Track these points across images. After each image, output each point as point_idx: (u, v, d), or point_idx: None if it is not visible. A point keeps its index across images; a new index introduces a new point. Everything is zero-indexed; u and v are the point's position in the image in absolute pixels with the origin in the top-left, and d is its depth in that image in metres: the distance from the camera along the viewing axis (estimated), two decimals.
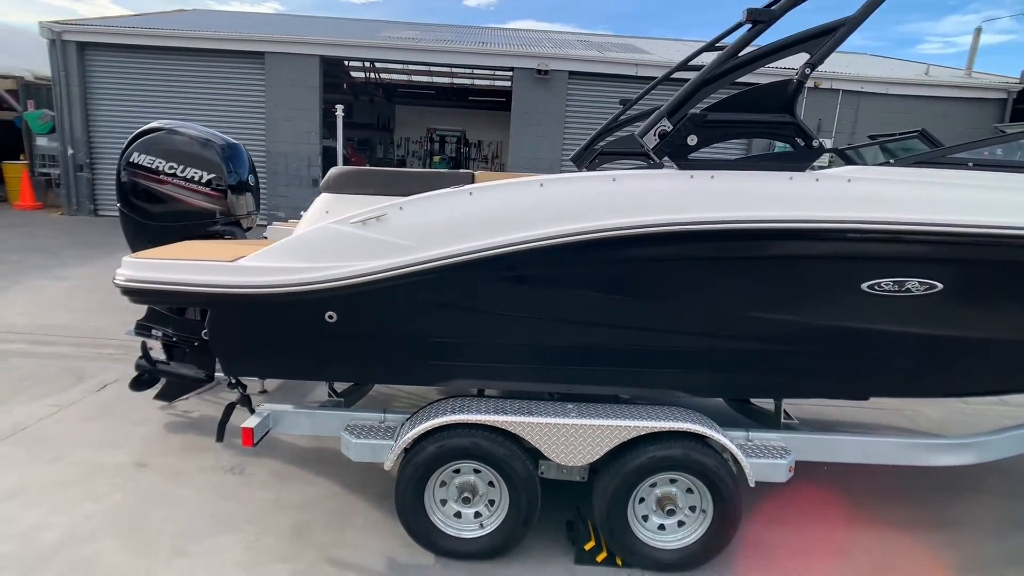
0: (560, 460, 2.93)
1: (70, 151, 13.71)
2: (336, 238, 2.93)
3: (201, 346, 4.26)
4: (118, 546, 3.04)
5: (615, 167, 3.80)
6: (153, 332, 4.44)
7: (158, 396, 4.49)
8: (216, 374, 4.36)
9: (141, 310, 4.13)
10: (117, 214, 4.31)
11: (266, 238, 4.39)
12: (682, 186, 2.82)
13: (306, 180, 13.60)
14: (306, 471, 3.83)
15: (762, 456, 3.04)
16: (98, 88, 13.73)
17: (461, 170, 3.43)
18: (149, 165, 4.03)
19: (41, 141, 14.69)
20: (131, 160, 4.05)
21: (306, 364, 3.20)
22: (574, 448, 2.92)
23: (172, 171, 4.02)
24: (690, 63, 4.36)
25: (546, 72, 13.31)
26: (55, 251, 10.22)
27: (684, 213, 2.78)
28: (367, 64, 19.31)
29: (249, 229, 4.42)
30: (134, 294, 3.04)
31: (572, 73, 13.66)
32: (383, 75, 21.43)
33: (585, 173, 3.12)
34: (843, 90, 14.62)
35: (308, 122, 13.32)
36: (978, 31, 18.14)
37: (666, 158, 2.86)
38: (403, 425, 3.11)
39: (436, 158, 17.68)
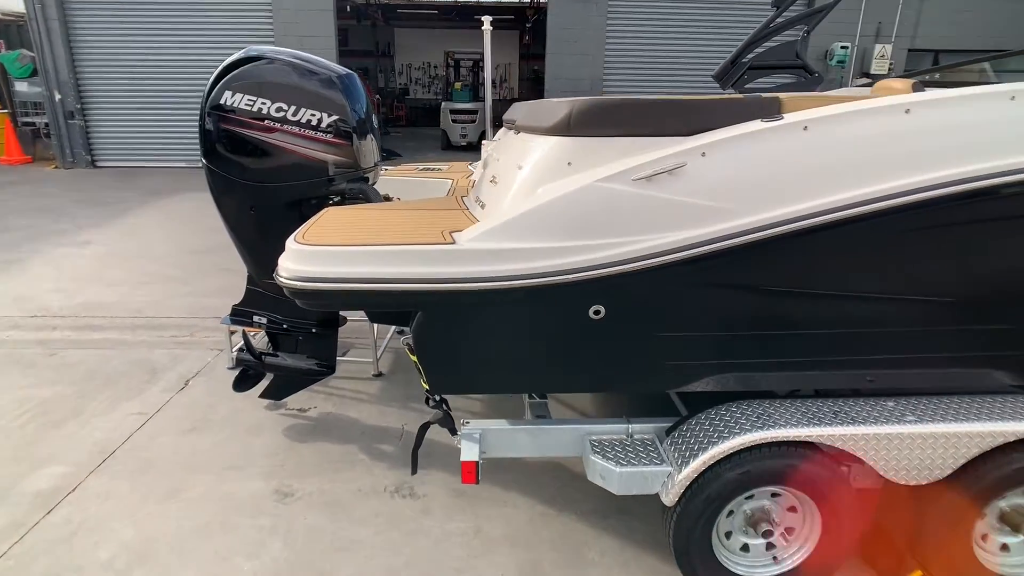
0: (895, 477, 2.22)
1: (57, 96, 12.27)
2: (611, 202, 2.07)
3: (320, 332, 3.46)
4: None
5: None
6: (256, 319, 3.60)
7: (265, 394, 3.67)
8: (339, 361, 3.59)
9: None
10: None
11: (390, 198, 3.46)
12: None
13: None
14: (489, 484, 3.08)
15: None
16: (81, 22, 12.14)
17: (761, 94, 2.48)
18: (249, 108, 3.03)
19: (21, 87, 13.21)
20: (222, 103, 3.04)
21: (549, 375, 2.37)
22: (920, 462, 2.20)
23: (281, 114, 3.02)
24: None
25: None
26: (65, 211, 9.13)
27: None
28: None
29: (373, 184, 3.47)
30: (312, 297, 2.16)
31: None
32: None
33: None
34: None
35: (324, 50, 11.86)
36: None
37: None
38: (670, 442, 2.35)
39: (458, 85, 16.19)
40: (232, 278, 5.71)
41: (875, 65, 13.69)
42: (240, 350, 3.56)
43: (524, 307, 2.17)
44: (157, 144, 12.52)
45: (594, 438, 2.46)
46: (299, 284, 2.10)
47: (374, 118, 3.37)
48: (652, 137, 2.17)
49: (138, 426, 3.60)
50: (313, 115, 3.04)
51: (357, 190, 3.23)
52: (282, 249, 2.25)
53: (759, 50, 4.93)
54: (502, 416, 2.78)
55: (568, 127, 2.22)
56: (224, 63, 3.11)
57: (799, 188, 2.05)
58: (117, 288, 5.94)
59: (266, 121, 3.03)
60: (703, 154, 2.06)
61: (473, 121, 15.74)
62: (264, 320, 3.52)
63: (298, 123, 3.04)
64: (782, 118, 2.10)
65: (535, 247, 2.07)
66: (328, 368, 3.52)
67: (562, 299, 2.14)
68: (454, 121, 15.75)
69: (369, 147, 3.28)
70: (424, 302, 2.13)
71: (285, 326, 3.48)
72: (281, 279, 2.15)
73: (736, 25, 13.27)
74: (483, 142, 3.59)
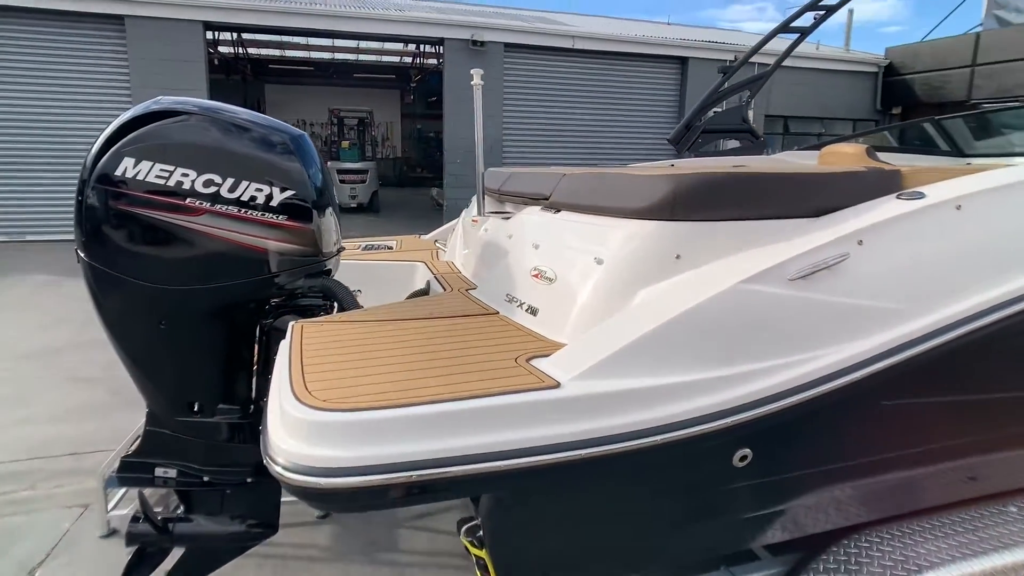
0: None
1: None
2: (763, 311, 1.55)
3: (258, 480, 2.49)
4: None
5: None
6: (160, 473, 2.54)
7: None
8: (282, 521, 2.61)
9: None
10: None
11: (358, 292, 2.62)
12: None
13: None
14: None
15: None
16: None
17: (878, 166, 2.05)
18: (160, 181, 2.10)
19: None
20: (117, 175, 2.10)
21: (671, 547, 1.70)
22: None
23: (212, 189, 2.12)
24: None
25: (482, 43, 11.71)
26: None
27: None
28: (235, 37, 16.34)
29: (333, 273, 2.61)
30: (349, 500, 1.30)
31: (508, 45, 12.18)
32: (252, 49, 18.39)
33: None
34: (758, 63, 14.59)
35: None
36: (851, 12, 19.43)
37: None
38: None
39: (345, 144, 15.27)
40: (93, 392, 4.40)
41: None
42: (134, 519, 2.48)
43: (649, 468, 1.48)
44: None
45: None
46: (328, 483, 1.24)
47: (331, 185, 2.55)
48: (774, 220, 1.71)
49: None
50: (259, 190, 2.17)
51: (320, 288, 2.38)
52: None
53: (709, 114, 4.84)
54: None
55: (672, 209, 1.66)
56: (119, 120, 2.17)
57: (969, 277, 1.72)
58: None
59: (188, 199, 2.11)
60: (860, 242, 1.62)
61: (363, 181, 14.87)
62: (173, 474, 2.47)
63: (237, 202, 2.15)
64: (924, 196, 1.70)
65: (669, 383, 1.43)
66: (269, 528, 2.54)
67: (702, 450, 1.49)
68: (342, 182, 14.75)
69: (330, 225, 2.45)
70: (517, 479, 1.36)
71: (206, 478, 2.46)
72: (286, 475, 1.27)
73: (628, 90, 13.79)
74: (473, 217, 2.87)
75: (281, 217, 2.22)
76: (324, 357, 1.60)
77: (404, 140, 25.56)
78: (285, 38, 16.34)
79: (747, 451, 1.53)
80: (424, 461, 1.25)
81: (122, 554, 2.80)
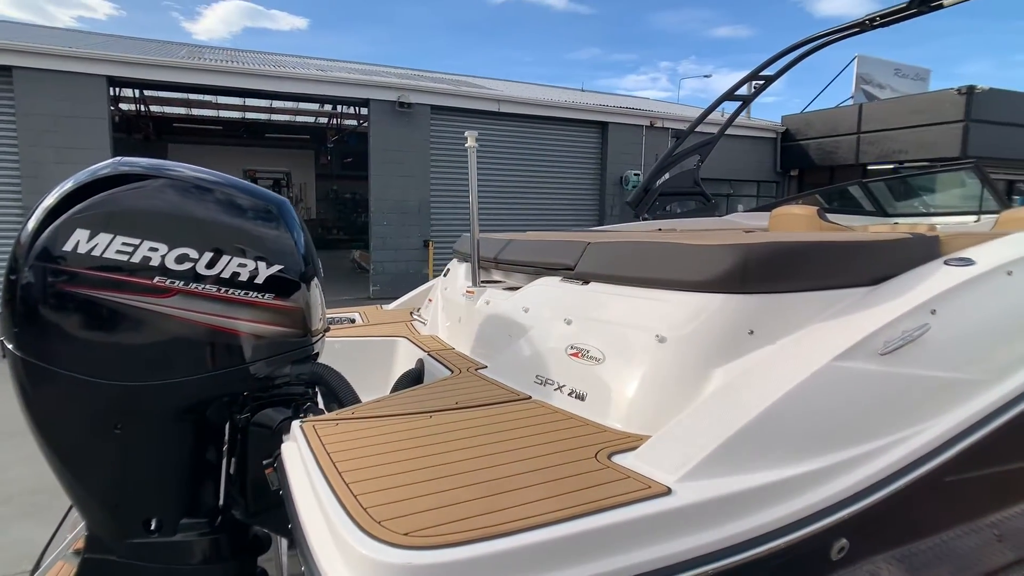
0: None
1: None
2: (858, 391, 1.46)
3: None
4: None
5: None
6: None
7: None
8: None
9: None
10: None
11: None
12: None
13: None
14: None
15: None
16: None
17: (917, 232, 2.05)
18: (123, 258, 1.75)
19: None
20: (66, 250, 1.74)
21: None
22: None
23: (186, 266, 1.81)
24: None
25: (408, 105, 11.68)
26: None
27: None
28: (137, 95, 15.47)
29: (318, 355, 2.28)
30: None
31: (434, 107, 12.24)
32: (155, 107, 17.47)
33: None
34: (671, 128, 15.55)
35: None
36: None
37: None
38: None
39: None
40: None
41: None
42: None
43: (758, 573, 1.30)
44: None
45: None
46: None
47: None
48: (837, 290, 1.63)
49: None
50: (242, 265, 1.86)
51: (310, 376, 2.06)
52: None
53: (664, 178, 4.97)
54: None
55: (743, 281, 1.53)
56: (67, 185, 1.81)
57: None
58: None
59: (157, 278, 1.76)
60: (933, 312, 1.54)
61: None
62: None
63: (217, 279, 1.83)
64: (974, 261, 1.70)
65: (781, 478, 1.28)
66: None
67: (803, 549, 1.32)
68: None
69: (317, 299, 2.15)
70: None
71: None
72: None
73: (552, 153, 14.16)
74: (468, 289, 2.63)
75: (267, 296, 1.91)
76: (364, 470, 1.31)
77: (319, 201, 24.91)
78: (193, 96, 15.66)
79: (844, 542, 1.39)
80: None
81: None
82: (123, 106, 15.78)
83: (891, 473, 1.39)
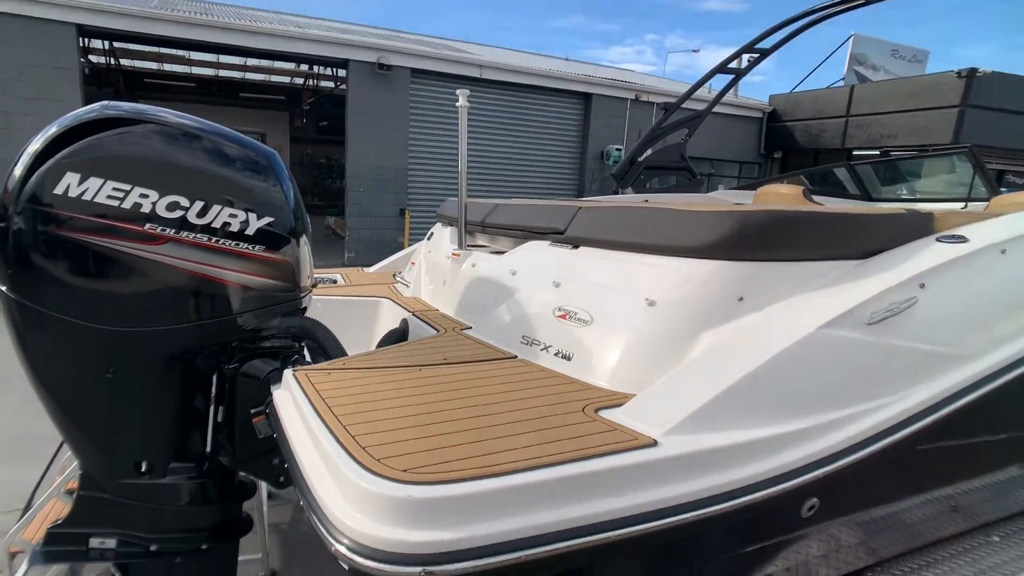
0: None
1: None
2: (843, 358, 1.54)
3: (213, 546, 2.13)
4: None
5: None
6: (96, 544, 2.11)
7: None
8: None
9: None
10: None
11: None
12: None
13: None
14: None
15: None
16: None
17: (914, 208, 2.14)
18: (113, 203, 1.76)
19: None
20: (56, 194, 1.74)
21: None
22: None
23: (177, 214, 1.82)
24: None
25: (388, 67, 11.47)
26: None
27: None
28: (107, 47, 14.90)
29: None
30: None
31: (415, 71, 12.03)
32: (126, 60, 16.84)
33: None
34: (656, 103, 15.54)
35: None
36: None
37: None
38: None
39: None
40: None
41: None
42: None
43: (726, 527, 1.39)
44: None
45: None
46: (439, 571, 1.02)
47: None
48: (827, 261, 1.68)
49: None
50: (234, 216, 1.89)
51: (298, 330, 2.10)
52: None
53: (649, 152, 5.00)
54: None
55: (736, 248, 1.59)
56: (54, 128, 1.81)
57: (1019, 318, 1.82)
58: None
59: (148, 225, 1.78)
60: (922, 285, 1.61)
61: None
62: (112, 544, 2.07)
63: (207, 229, 1.85)
64: (967, 239, 1.77)
65: (762, 436, 1.36)
66: None
67: (777, 505, 1.42)
68: None
69: (306, 255, 2.19)
70: (624, 548, 1.22)
71: (153, 547, 2.08)
72: (370, 564, 1.03)
73: (534, 123, 14.05)
74: (454, 251, 2.66)
75: (258, 247, 1.94)
76: (360, 415, 1.37)
77: (293, 165, 24.38)
78: (165, 50, 15.11)
79: (815, 500, 1.49)
80: (535, 538, 1.08)
81: None
82: (93, 58, 15.20)
83: (864, 439, 1.49)
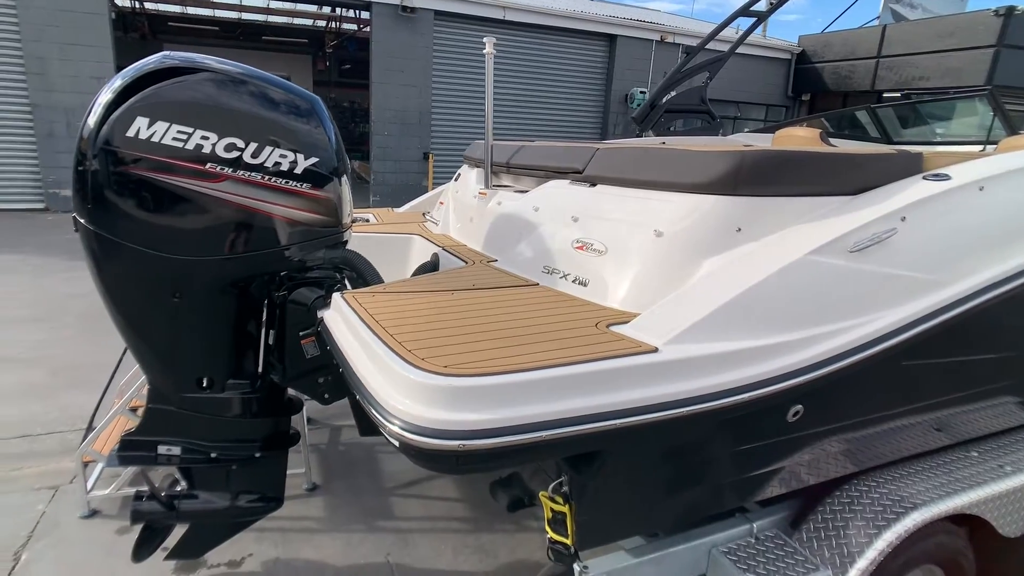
0: (1009, 531, 2.21)
1: None
2: (825, 281, 1.71)
3: (265, 455, 2.45)
4: None
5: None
6: (164, 451, 2.44)
7: (175, 554, 2.52)
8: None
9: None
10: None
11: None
12: None
13: None
14: None
15: None
16: None
17: (903, 147, 2.28)
18: (178, 144, 1.98)
19: None
20: (128, 136, 1.97)
21: (724, 495, 1.88)
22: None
23: (234, 154, 2.03)
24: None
25: (412, 9, 11.38)
26: None
27: None
28: None
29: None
30: (485, 460, 1.36)
31: (438, 13, 11.92)
32: (150, 4, 16.85)
33: None
34: (683, 44, 15.18)
35: (96, 62, 9.60)
36: None
37: None
38: (807, 537, 2.01)
39: None
40: (29, 373, 4.06)
41: None
42: (138, 497, 2.40)
43: (718, 425, 1.62)
44: None
45: (722, 547, 1.97)
46: (470, 446, 1.28)
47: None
48: (821, 197, 1.85)
49: None
50: (283, 156, 2.10)
51: (340, 260, 2.34)
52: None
53: (671, 95, 5.04)
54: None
55: (735, 184, 1.77)
56: (123, 77, 2.02)
57: (994, 249, 1.97)
58: None
59: (209, 164, 2.01)
60: (903, 219, 1.79)
61: None
62: (177, 451, 2.38)
63: (260, 168, 2.07)
64: (950, 177, 1.91)
65: (751, 346, 1.57)
66: (275, 501, 2.53)
67: (764, 408, 1.65)
68: None
69: (347, 194, 2.40)
70: (625, 435, 1.46)
71: (213, 455, 2.39)
72: (417, 439, 1.29)
73: (557, 65, 13.87)
74: (481, 191, 2.85)
75: (304, 185, 2.16)
76: (403, 325, 1.61)
77: None
78: None
79: (800, 407, 1.70)
80: (551, 422, 1.33)
81: (106, 533, 2.72)
82: (119, 2, 15.23)
83: (844, 351, 1.68)
